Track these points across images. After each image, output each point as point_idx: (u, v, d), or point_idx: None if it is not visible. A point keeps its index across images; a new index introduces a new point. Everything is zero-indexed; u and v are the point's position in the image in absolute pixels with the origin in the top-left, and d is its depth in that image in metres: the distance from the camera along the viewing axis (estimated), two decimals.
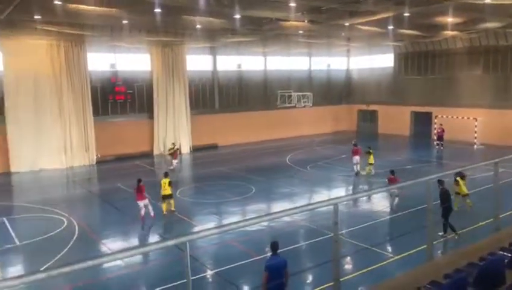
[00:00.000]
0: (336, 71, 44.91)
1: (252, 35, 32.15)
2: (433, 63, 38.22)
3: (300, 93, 39.46)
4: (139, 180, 17.16)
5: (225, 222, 17.08)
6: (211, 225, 16.60)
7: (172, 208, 17.96)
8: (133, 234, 16.19)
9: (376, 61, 43.11)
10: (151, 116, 33.29)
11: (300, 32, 33.11)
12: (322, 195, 20.78)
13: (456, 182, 16.38)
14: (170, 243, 4.74)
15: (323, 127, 42.42)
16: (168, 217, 17.49)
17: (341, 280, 5.91)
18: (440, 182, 13.67)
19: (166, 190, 17.60)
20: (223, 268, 12.51)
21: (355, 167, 24.00)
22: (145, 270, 12.73)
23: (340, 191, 21.52)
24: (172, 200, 18.07)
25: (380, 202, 18.74)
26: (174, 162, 27.43)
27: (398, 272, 10.85)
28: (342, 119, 44.44)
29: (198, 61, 35.82)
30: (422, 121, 38.67)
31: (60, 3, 21.18)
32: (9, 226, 16.66)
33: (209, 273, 12.42)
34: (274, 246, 9.04)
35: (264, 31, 30.89)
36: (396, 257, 12.74)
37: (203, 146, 34.76)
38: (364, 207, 18.19)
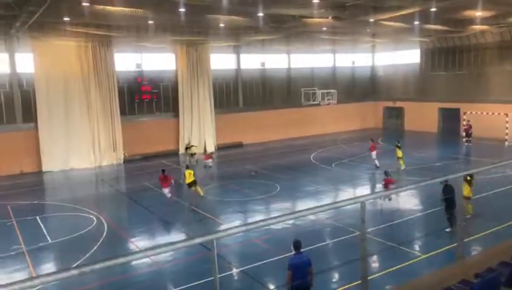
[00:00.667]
0: (360, 68, 44.38)
1: (276, 33, 32.09)
2: (461, 59, 37.28)
3: (325, 91, 39.17)
4: (163, 171, 19.70)
5: (250, 220, 17.14)
6: (237, 223, 16.71)
7: (201, 193, 20.07)
8: (159, 232, 16.44)
9: (402, 57, 42.35)
10: (176, 115, 33.69)
11: (324, 29, 32.82)
12: (347, 193, 20.62)
13: (468, 182, 15.15)
14: (198, 241, 4.81)
15: (348, 125, 41.99)
16: (196, 215, 17.68)
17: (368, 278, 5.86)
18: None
19: (190, 179, 19.57)
20: (248, 266, 12.56)
21: (376, 161, 24.78)
22: (171, 267, 12.89)
23: (365, 189, 21.27)
24: (198, 186, 20.00)
25: (406, 200, 18.44)
26: (209, 161, 27.16)
27: (426, 271, 10.67)
28: (368, 116, 43.90)
29: (222, 60, 36.02)
30: (450, 118, 37.84)
31: (87, 4, 21.70)
32: (41, 224, 17.18)
33: (234, 271, 12.49)
34: (297, 245, 9.03)
35: (287, 29, 30.78)
36: (424, 256, 12.52)
37: (227, 145, 34.96)
38: (391, 205, 17.92)
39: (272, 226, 13.95)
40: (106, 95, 30.00)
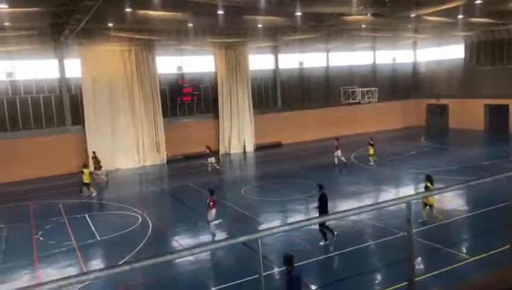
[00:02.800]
0: (401, 65, 43.29)
1: (314, 32, 31.92)
2: (508, 52, 35.61)
3: (365, 89, 38.58)
4: (212, 192, 16.01)
5: (290, 220, 17.15)
6: (277, 223, 16.78)
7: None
8: (202, 231, 16.71)
9: (445, 52, 40.94)
10: (216, 116, 34.19)
11: (364, 26, 32.31)
12: (389, 193, 20.20)
13: (426, 188, 14.84)
14: (242, 239, 4.90)
15: (389, 123, 41.06)
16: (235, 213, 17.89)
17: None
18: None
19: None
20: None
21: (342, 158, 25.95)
22: (214, 266, 13.12)
23: (409, 189, 20.75)
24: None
25: (452, 200, 17.85)
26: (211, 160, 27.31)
27: (475, 274, 10.34)
28: (410, 114, 42.72)
29: (260, 61, 36.17)
30: (497, 115, 36.23)
31: (130, 10, 22.46)
32: (90, 222, 17.94)
33: (276, 270, 12.54)
34: (289, 260, 8.81)
35: (326, 27, 30.54)
36: (473, 259, 12.10)
37: (266, 144, 35.08)
38: (436, 205, 17.39)
39: (313, 226, 13.90)
40: (149, 97, 30.88)
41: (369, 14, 27.58)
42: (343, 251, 13.48)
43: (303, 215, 17.71)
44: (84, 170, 22.42)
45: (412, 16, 26.99)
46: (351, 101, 38.44)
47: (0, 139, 27.12)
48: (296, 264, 8.99)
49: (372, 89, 38.65)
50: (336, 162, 26.10)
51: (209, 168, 26.75)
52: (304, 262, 12.69)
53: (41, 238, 16.26)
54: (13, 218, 19.09)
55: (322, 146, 34.05)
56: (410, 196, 6.03)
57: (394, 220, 14.90)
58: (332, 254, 13.56)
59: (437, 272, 11.36)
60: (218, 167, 27.15)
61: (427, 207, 15.05)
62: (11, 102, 27.89)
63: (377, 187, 21.58)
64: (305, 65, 38.31)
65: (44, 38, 27.28)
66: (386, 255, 13.06)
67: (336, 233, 13.95)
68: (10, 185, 25.74)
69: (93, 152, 27.08)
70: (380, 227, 15.10)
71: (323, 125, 37.60)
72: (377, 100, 38.55)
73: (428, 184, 14.94)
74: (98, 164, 26.27)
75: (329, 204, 19.00)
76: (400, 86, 42.88)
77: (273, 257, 13.31)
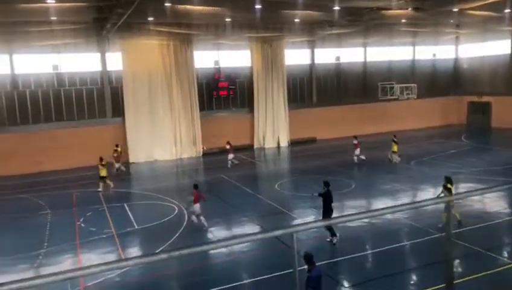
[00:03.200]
0: (442, 61, 41.99)
1: (352, 27, 31.48)
2: None
3: (403, 85, 37.72)
4: (196, 186, 16.69)
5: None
6: (310, 218, 16.76)
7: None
8: (235, 223, 16.96)
9: (490, 48, 39.33)
10: (251, 111, 34.37)
11: (404, 21, 31.60)
12: (428, 193, 19.67)
13: (447, 189, 14.39)
14: (277, 233, 4.98)
15: (428, 121, 39.98)
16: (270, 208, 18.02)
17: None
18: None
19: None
20: (322, 262, 12.55)
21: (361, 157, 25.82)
22: (247, 258, 13.26)
23: None
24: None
25: (494, 202, 17.26)
26: (230, 156, 27.16)
27: None
28: (450, 112, 41.41)
29: (296, 56, 36.01)
30: None
31: (169, 4, 22.92)
32: (128, 211, 18.54)
33: (307, 266, 12.55)
34: (309, 258, 8.82)
35: (364, 22, 30.06)
36: None
37: (301, 140, 34.98)
38: (477, 207, 16.88)
39: (348, 224, 13.83)
40: (186, 91, 31.40)
41: (410, 9, 26.93)
42: (377, 249, 13.34)
43: (337, 212, 17.61)
44: (102, 164, 22.09)
45: (455, 10, 26.14)
46: (388, 97, 37.66)
47: (45, 129, 28.38)
48: (317, 263, 8.98)
49: (411, 85, 37.72)
50: (356, 160, 25.75)
51: (229, 165, 26.68)
52: (337, 259, 12.68)
53: (82, 224, 16.96)
54: (57, 205, 19.97)
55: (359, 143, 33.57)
56: (451, 196, 5.92)
57: (431, 220, 14.59)
58: (366, 253, 13.45)
59: (476, 275, 11.05)
60: (237, 162, 27.04)
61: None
62: (56, 93, 29.10)
63: (414, 186, 21.12)
64: (342, 60, 37.82)
65: (88, 32, 28.25)
66: (421, 256, 12.82)
67: (337, 236, 13.74)
68: (54, 173, 26.90)
69: (116, 145, 27.51)
70: (416, 227, 14.82)
71: (359, 122, 37.01)
72: (415, 97, 37.59)
73: (449, 185, 14.58)
74: (118, 157, 26.30)
75: (364, 201, 18.97)
76: (440, 82, 41.61)
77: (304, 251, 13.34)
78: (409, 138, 34.62)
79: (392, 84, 37.93)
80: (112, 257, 13.62)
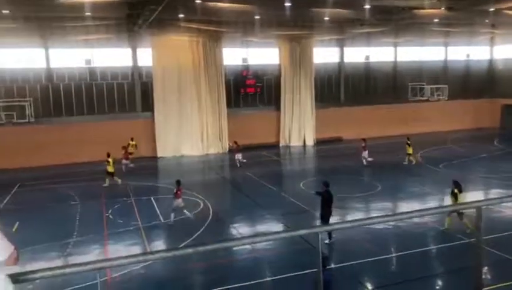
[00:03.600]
0: (476, 62, 40.86)
1: (382, 26, 31.03)
2: None
3: (434, 86, 36.95)
4: (178, 182, 16.75)
5: (348, 217, 16.97)
6: (334, 219, 16.65)
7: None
8: (259, 220, 17.03)
9: None
10: (277, 108, 34.36)
11: (436, 20, 30.94)
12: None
13: (454, 195, 14.21)
14: (302, 232, 5.00)
15: (459, 123, 38.93)
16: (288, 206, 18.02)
17: None
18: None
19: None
20: (346, 263, 12.50)
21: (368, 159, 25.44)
22: (270, 256, 13.30)
23: (479, 194, 19.68)
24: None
25: None
26: (239, 156, 26.95)
27: None
28: (483, 114, 40.17)
29: (324, 54, 35.76)
30: None
31: (200, 1, 23.14)
32: (155, 205, 18.89)
33: (332, 266, 12.52)
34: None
35: (395, 21, 29.59)
36: None
37: (327, 139, 34.73)
38: (508, 213, 16.40)
39: (373, 226, 13.68)
40: (214, 87, 31.68)
41: (443, 8, 26.33)
42: (403, 252, 13.18)
43: (363, 214, 17.46)
44: (109, 159, 22.21)
45: (491, 9, 25.38)
46: (418, 98, 36.94)
47: (77, 122, 29.21)
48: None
49: (442, 86, 36.89)
50: (365, 163, 25.47)
51: (238, 164, 26.50)
52: (362, 261, 12.57)
53: (110, 216, 17.39)
54: (86, 196, 20.54)
55: (386, 144, 33.11)
56: (482, 201, 5.81)
57: (460, 225, 14.26)
58: (392, 255, 13.30)
59: (507, 284, 10.76)
60: (244, 161, 26.74)
61: (453, 214, 14.17)
62: (88, 87, 29.89)
63: (442, 190, 20.64)
64: (372, 59, 37.30)
65: (120, 28, 28.89)
66: (449, 261, 12.58)
67: (333, 237, 13.67)
68: (84, 165, 27.63)
69: (131, 138, 28.17)
70: (444, 231, 14.52)
71: (388, 122, 36.44)
72: (446, 98, 36.76)
73: (456, 191, 14.34)
74: (126, 154, 25.86)
75: (390, 204, 18.71)
76: (472, 84, 40.48)
77: (330, 253, 13.31)
78: (439, 140, 33.90)
79: (423, 85, 37.19)
80: (137, 249, 13.94)
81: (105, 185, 22.07)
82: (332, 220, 16.13)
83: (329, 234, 13.80)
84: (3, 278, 2.90)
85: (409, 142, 25.34)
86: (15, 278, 2.95)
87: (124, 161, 25.38)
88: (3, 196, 20.68)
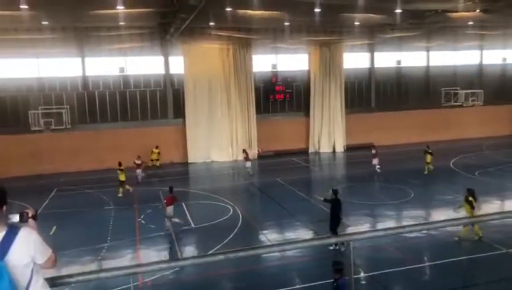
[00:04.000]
0: None
1: (414, 30, 30.52)
2: None
3: (469, 91, 35.94)
4: (171, 189, 17.11)
5: (380, 225, 16.73)
6: (365, 226, 16.47)
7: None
8: (289, 227, 16.98)
9: None
10: (307, 114, 34.25)
11: (471, 23, 30.16)
12: (493, 206, 18.59)
13: (469, 202, 13.90)
14: (333, 240, 5.05)
15: (496, 129, 37.57)
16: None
17: None
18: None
19: None
20: (377, 272, 12.32)
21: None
22: (299, 264, 13.24)
23: None
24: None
25: None
26: (248, 164, 26.42)
27: None
28: None
29: (354, 59, 35.43)
30: None
31: (230, 9, 23.45)
32: (186, 210, 19.17)
33: (362, 275, 12.36)
34: (340, 270, 8.83)
35: (427, 25, 29.05)
36: None
37: (358, 145, 34.27)
38: None
39: (405, 234, 13.42)
40: (244, 94, 31.94)
41: (478, 10, 25.65)
42: (436, 262, 12.86)
43: (394, 222, 17.17)
44: (121, 168, 22.07)
45: None
46: (452, 103, 36.03)
47: (111, 128, 30.05)
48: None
49: (477, 91, 35.86)
50: (378, 170, 24.93)
51: (250, 172, 26.20)
52: (393, 269, 12.35)
53: (143, 221, 17.77)
54: (120, 201, 21.06)
55: (418, 150, 32.34)
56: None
57: (497, 234, 13.82)
58: (424, 265, 13.01)
59: None
60: (251, 173, 26.26)
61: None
62: (122, 94, 30.73)
63: (478, 198, 20.02)
64: (403, 64, 36.68)
65: (152, 36, 29.64)
66: (484, 271, 12.19)
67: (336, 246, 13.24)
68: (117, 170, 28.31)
69: (157, 146, 28.99)
70: (479, 241, 14.09)
71: (420, 128, 35.64)
72: (482, 103, 35.68)
73: (471, 198, 14.13)
74: (140, 165, 25.36)
75: (423, 212, 18.29)
76: (509, 88, 39.10)
77: (360, 261, 13.13)
78: (474, 146, 32.89)
79: (457, 89, 36.26)
80: (169, 254, 14.18)
81: (120, 195, 21.98)
82: (363, 227, 15.99)
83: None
84: (42, 281, 3.07)
85: (429, 150, 24.63)
86: (52, 282, 3.12)
87: (138, 171, 24.84)
88: (42, 200, 21.49)
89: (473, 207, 14.03)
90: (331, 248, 13.20)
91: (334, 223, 13.85)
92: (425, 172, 24.41)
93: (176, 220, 16.41)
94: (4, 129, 28.12)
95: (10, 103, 28.89)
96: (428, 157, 24.53)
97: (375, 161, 25.30)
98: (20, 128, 28.42)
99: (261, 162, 31.01)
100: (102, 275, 3.31)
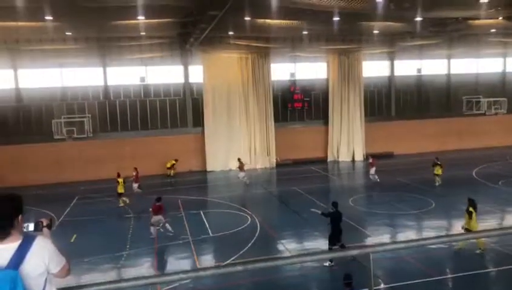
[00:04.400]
0: None
1: (435, 38, 30.12)
2: None
3: (492, 99, 35.25)
4: (158, 199, 17.39)
5: (400, 235, 16.47)
6: (386, 237, 16.22)
7: None
8: (307, 237, 16.84)
9: None
10: (326, 123, 34.10)
11: (493, 30, 29.64)
12: None
13: (469, 213, 13.48)
14: (353, 252, 4.98)
15: None
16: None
17: None
18: None
19: None
20: (397, 284, 12.09)
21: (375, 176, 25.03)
22: (318, 274, 13.09)
23: None
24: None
25: None
26: (241, 175, 26.17)
27: None
28: None
29: (374, 67, 35.19)
30: None
31: (249, 19, 23.62)
32: (204, 219, 19.23)
33: (382, 286, 12.16)
34: (350, 283, 9.02)
35: (448, 32, 28.64)
36: None
37: (377, 154, 33.83)
38: None
39: (426, 245, 13.15)
40: (262, 102, 32.04)
41: (500, 18, 25.21)
42: (458, 274, 12.56)
43: (415, 232, 16.86)
44: (119, 180, 21.99)
45: None
46: (474, 111, 35.36)
47: (132, 137, 30.49)
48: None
49: (501, 99, 35.13)
50: (377, 179, 24.97)
51: (247, 182, 25.94)
52: (414, 281, 12.11)
53: (161, 229, 17.85)
54: (140, 209, 21.24)
55: (439, 159, 31.86)
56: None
57: None
58: (446, 277, 12.71)
59: None
60: (247, 183, 25.98)
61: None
62: (142, 103, 31.17)
63: (502, 208, 19.57)
64: (424, 72, 36.25)
65: (172, 46, 30.03)
66: (509, 284, 11.85)
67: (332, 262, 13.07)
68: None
69: (176, 159, 29.26)
70: (503, 253, 13.71)
71: (442, 137, 35.12)
72: (505, 112, 34.90)
73: (471, 209, 13.75)
74: (137, 176, 24.26)
75: (445, 222, 17.91)
76: None
77: (380, 273, 12.92)
78: (497, 155, 32.16)
79: (479, 98, 35.60)
80: (187, 262, 14.22)
81: (121, 205, 21.99)
82: (383, 237, 15.74)
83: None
84: None
85: (439, 162, 24.04)
86: None
87: (134, 185, 23.89)
88: (64, 208, 21.87)
89: (471, 218, 13.71)
90: (326, 264, 13.10)
91: (335, 236, 13.66)
92: (436, 183, 23.85)
93: (169, 228, 16.92)
94: (29, 138, 28.82)
95: (34, 112, 29.61)
96: (438, 169, 23.94)
97: (372, 171, 25.23)
98: (44, 137, 29.09)
99: (279, 171, 30.94)
100: (112, 286, 3.31)
